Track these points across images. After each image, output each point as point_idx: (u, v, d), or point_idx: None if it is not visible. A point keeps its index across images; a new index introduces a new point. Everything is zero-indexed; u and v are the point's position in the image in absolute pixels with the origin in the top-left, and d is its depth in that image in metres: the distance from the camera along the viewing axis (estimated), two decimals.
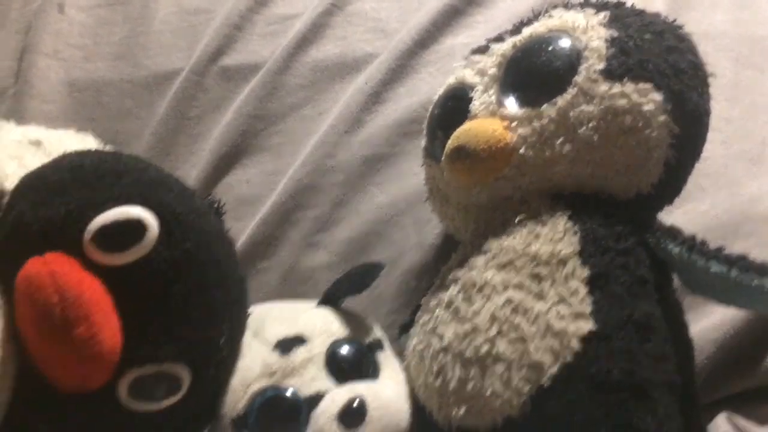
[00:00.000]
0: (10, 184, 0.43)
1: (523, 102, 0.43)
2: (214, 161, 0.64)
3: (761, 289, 0.36)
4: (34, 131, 0.50)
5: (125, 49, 0.68)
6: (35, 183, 0.36)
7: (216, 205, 0.45)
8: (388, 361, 0.45)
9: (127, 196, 0.35)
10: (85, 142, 0.52)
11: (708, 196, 0.55)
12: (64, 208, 0.35)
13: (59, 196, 0.35)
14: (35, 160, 0.46)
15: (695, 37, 0.45)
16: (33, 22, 0.69)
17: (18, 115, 0.64)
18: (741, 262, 0.37)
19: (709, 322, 0.50)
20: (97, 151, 0.40)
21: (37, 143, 0.48)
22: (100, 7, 0.70)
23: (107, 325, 0.33)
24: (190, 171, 0.64)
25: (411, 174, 0.60)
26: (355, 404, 0.39)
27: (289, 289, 0.59)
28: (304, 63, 0.66)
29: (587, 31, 0.43)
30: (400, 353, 0.47)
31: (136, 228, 0.34)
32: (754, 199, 0.55)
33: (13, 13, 0.71)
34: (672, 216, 0.46)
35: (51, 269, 0.32)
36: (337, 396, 0.40)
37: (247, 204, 0.62)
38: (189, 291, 0.36)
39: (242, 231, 0.61)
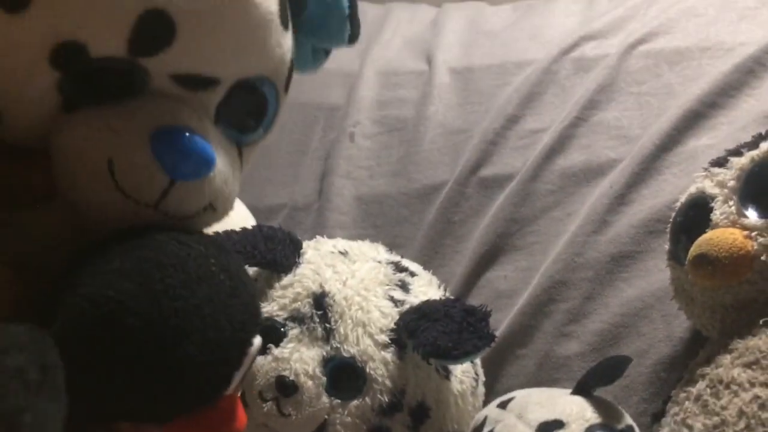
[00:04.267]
0: (329, 287, 0.57)
1: (762, 213, 0.47)
2: (476, 259, 0.74)
3: None
4: (340, 243, 0.64)
5: (401, 167, 0.82)
6: None
7: None
8: None
9: None
10: (377, 249, 0.65)
11: None
12: None
13: None
14: (344, 267, 0.59)
15: None
16: (330, 150, 0.86)
17: (320, 225, 0.80)
18: None
19: None
20: None
21: (344, 253, 0.62)
22: (381, 134, 0.85)
23: None
24: (455, 268, 0.75)
25: (657, 270, 0.65)
26: None
27: (545, 374, 0.66)
28: (553, 171, 0.75)
29: None
30: None
31: None
32: None
33: (314, 143, 0.89)
34: None
35: None
36: None
37: (505, 297, 0.71)
38: None
39: (501, 321, 0.69)
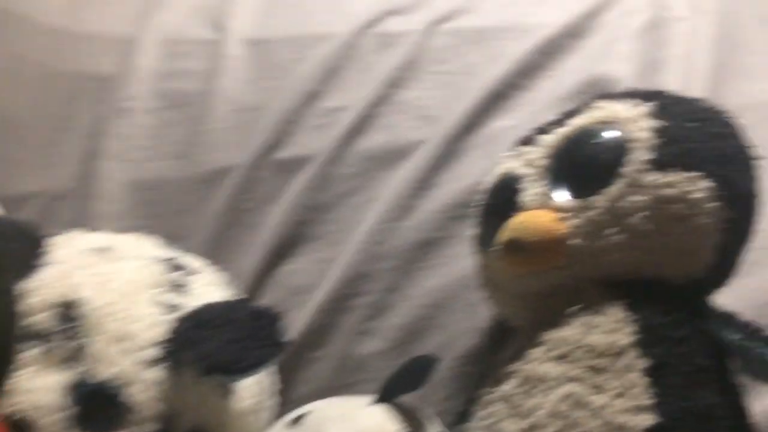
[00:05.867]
0: (80, 294, 0.46)
1: (573, 193, 0.44)
2: (270, 251, 0.66)
3: None
4: (99, 239, 0.53)
5: (185, 148, 0.71)
6: None
7: None
8: None
9: None
10: (147, 244, 0.54)
11: (758, 271, 0.54)
12: None
13: None
14: (102, 268, 0.48)
15: (737, 109, 0.46)
16: (98, 128, 0.73)
17: (83, 216, 0.68)
18: None
19: None
20: None
21: (104, 250, 0.51)
22: (162, 110, 0.74)
23: None
24: (246, 262, 0.66)
25: (461, 257, 0.61)
26: None
27: (343, 378, 0.60)
28: (354, 153, 0.69)
29: (633, 122, 0.44)
30: None
31: None
32: None
33: (78, 119, 0.75)
34: (721, 294, 0.45)
35: None
36: None
37: (302, 292, 0.64)
38: None
39: (298, 320, 0.62)
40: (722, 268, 0.44)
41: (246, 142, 0.72)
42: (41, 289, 0.45)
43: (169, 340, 0.45)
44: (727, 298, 0.46)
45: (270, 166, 0.70)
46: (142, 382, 0.43)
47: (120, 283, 0.47)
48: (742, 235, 0.43)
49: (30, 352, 0.43)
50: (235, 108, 0.74)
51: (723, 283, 0.45)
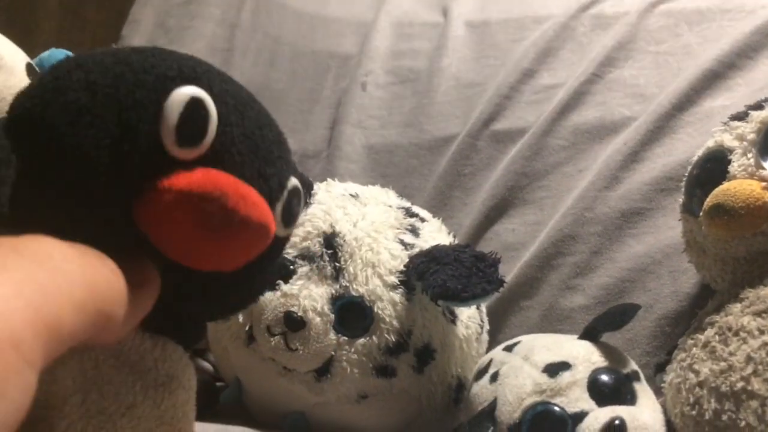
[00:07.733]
0: (340, 227, 0.57)
1: None
2: (485, 211, 0.74)
3: None
4: (352, 187, 0.64)
5: (413, 118, 0.82)
6: None
7: None
8: (643, 390, 0.50)
9: None
10: (388, 194, 0.65)
11: None
12: None
13: None
14: (355, 209, 0.59)
15: None
16: (342, 98, 0.85)
17: (330, 172, 0.80)
18: None
19: None
20: None
21: (355, 195, 0.62)
22: (394, 84, 0.84)
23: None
24: (464, 219, 0.75)
25: (667, 227, 0.65)
26: (616, 422, 0.45)
27: (549, 326, 0.66)
28: (566, 126, 0.74)
29: None
30: (655, 390, 0.52)
31: None
32: None
33: (326, 91, 0.88)
34: None
35: None
36: (600, 414, 0.46)
37: (513, 249, 0.71)
38: None
39: (507, 273, 0.69)
40: None
41: (466, 115, 0.80)
42: (312, 221, 0.57)
43: (407, 270, 0.55)
44: None
45: (487, 136, 0.78)
46: (386, 300, 0.53)
47: (368, 222, 0.57)
48: None
49: (303, 268, 0.55)
50: (457, 84, 0.83)
51: None
